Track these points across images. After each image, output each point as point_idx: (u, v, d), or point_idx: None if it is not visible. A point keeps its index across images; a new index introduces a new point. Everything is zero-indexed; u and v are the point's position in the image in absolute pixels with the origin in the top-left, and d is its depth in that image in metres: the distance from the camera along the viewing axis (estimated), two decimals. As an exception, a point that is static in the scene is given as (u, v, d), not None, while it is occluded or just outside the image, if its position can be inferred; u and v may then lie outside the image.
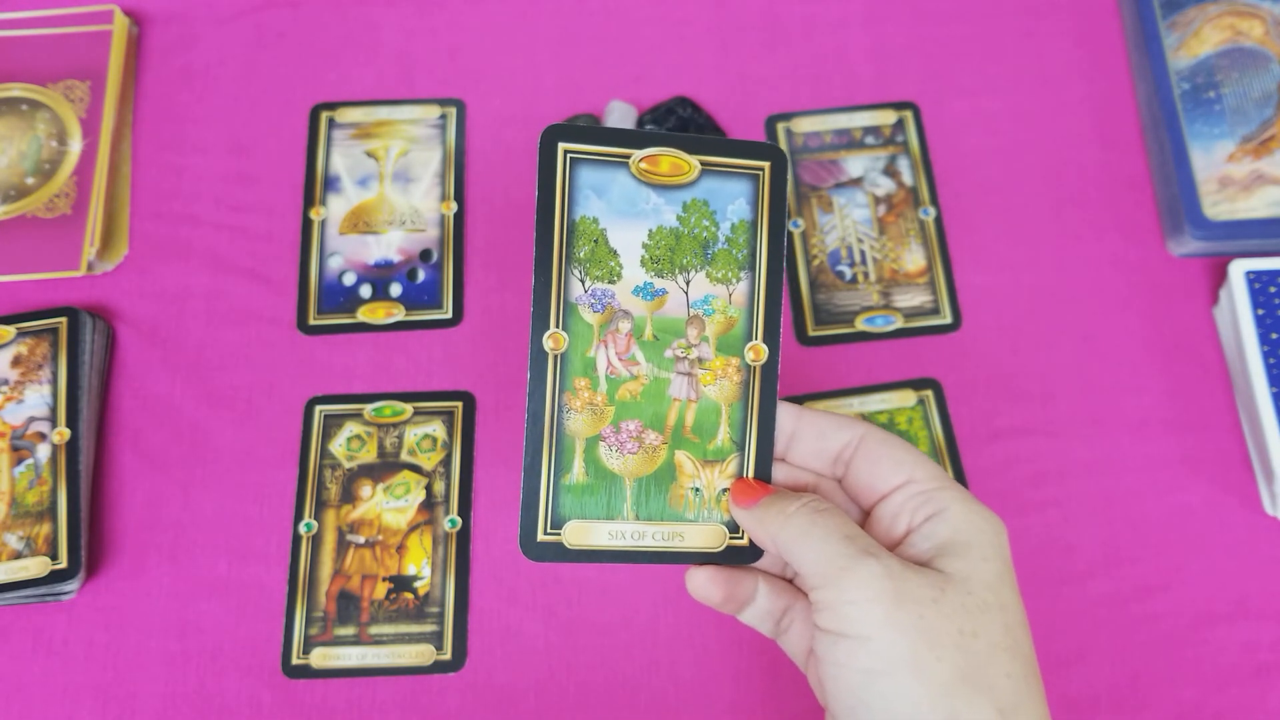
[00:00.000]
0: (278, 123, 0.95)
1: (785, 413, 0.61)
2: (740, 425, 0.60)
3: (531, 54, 0.97)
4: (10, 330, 0.86)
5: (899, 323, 0.88)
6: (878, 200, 0.91)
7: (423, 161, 0.93)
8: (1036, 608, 0.78)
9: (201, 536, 0.84)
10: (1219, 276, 0.88)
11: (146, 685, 0.80)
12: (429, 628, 0.81)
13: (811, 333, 0.88)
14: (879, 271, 0.89)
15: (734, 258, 0.60)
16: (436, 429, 0.86)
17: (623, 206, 0.59)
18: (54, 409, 0.84)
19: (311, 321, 0.89)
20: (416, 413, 0.86)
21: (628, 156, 0.59)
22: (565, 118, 0.93)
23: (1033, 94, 0.95)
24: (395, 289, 0.89)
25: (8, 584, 0.80)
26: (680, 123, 0.92)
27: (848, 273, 0.89)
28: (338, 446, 0.85)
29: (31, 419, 0.84)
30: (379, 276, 0.90)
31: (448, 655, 0.80)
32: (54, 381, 0.84)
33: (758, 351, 0.60)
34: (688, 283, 0.60)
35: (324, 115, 0.95)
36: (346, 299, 0.89)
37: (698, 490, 0.60)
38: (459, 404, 0.86)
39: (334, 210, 0.92)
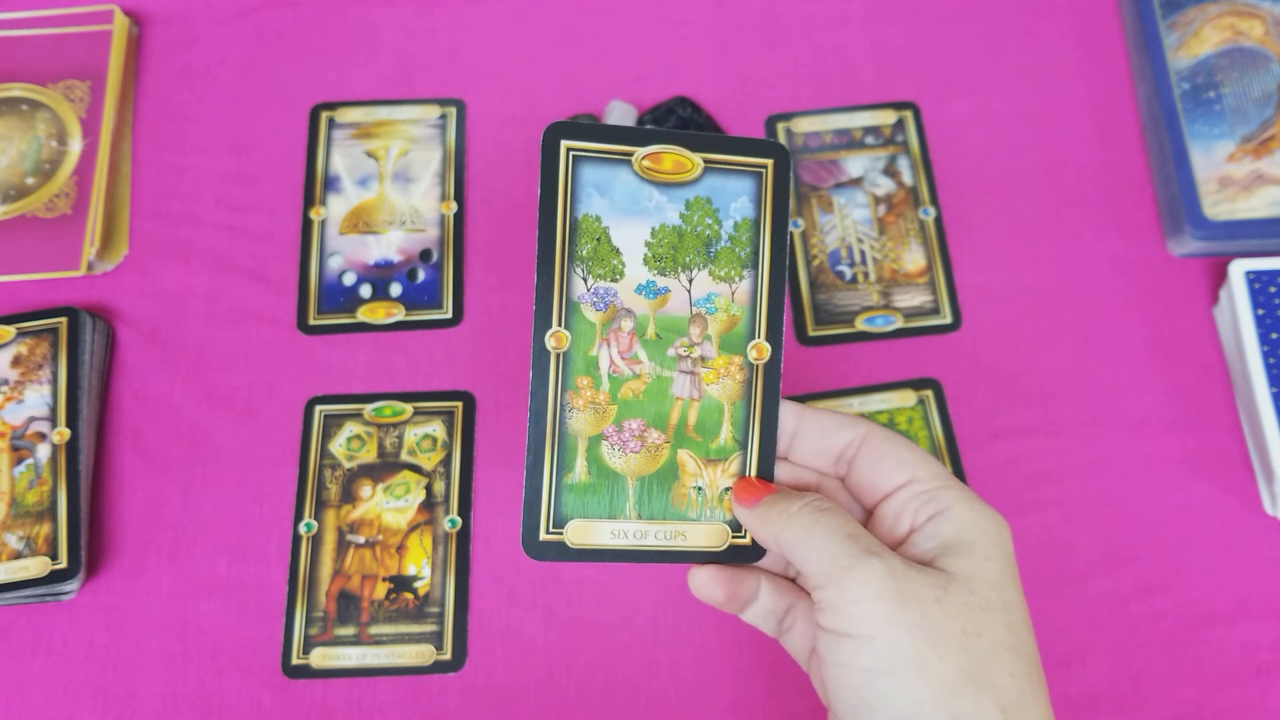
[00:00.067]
0: (278, 123, 0.95)
1: (788, 411, 0.61)
2: (743, 424, 0.60)
3: (531, 54, 0.97)
4: (10, 330, 0.86)
5: (899, 323, 0.88)
6: (878, 200, 0.91)
7: (423, 161, 0.93)
8: (1037, 607, 0.78)
9: (201, 536, 0.84)
10: (1219, 276, 0.88)
11: (146, 685, 0.80)
12: (429, 628, 0.81)
13: (811, 333, 0.88)
14: (879, 271, 0.89)
15: (737, 256, 0.60)
16: (436, 429, 0.86)
17: (625, 204, 0.59)
18: (54, 409, 0.83)
19: (311, 321, 0.89)
20: (416, 413, 0.86)
21: (630, 154, 0.59)
22: (565, 118, 0.93)
23: (1033, 94, 0.95)
24: (395, 289, 0.89)
25: (8, 584, 0.80)
26: (680, 123, 0.92)
27: (848, 273, 0.89)
28: (338, 446, 0.85)
29: (31, 419, 0.83)
30: (379, 276, 0.90)
31: (448, 655, 0.80)
32: (54, 381, 0.84)
33: (760, 350, 0.60)
34: (690, 281, 0.60)
35: (324, 115, 0.95)
36: (346, 299, 0.89)
37: (700, 489, 0.60)
38: (459, 404, 0.86)
39: (334, 210, 0.92)
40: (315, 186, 0.92)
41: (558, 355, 0.59)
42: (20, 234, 0.90)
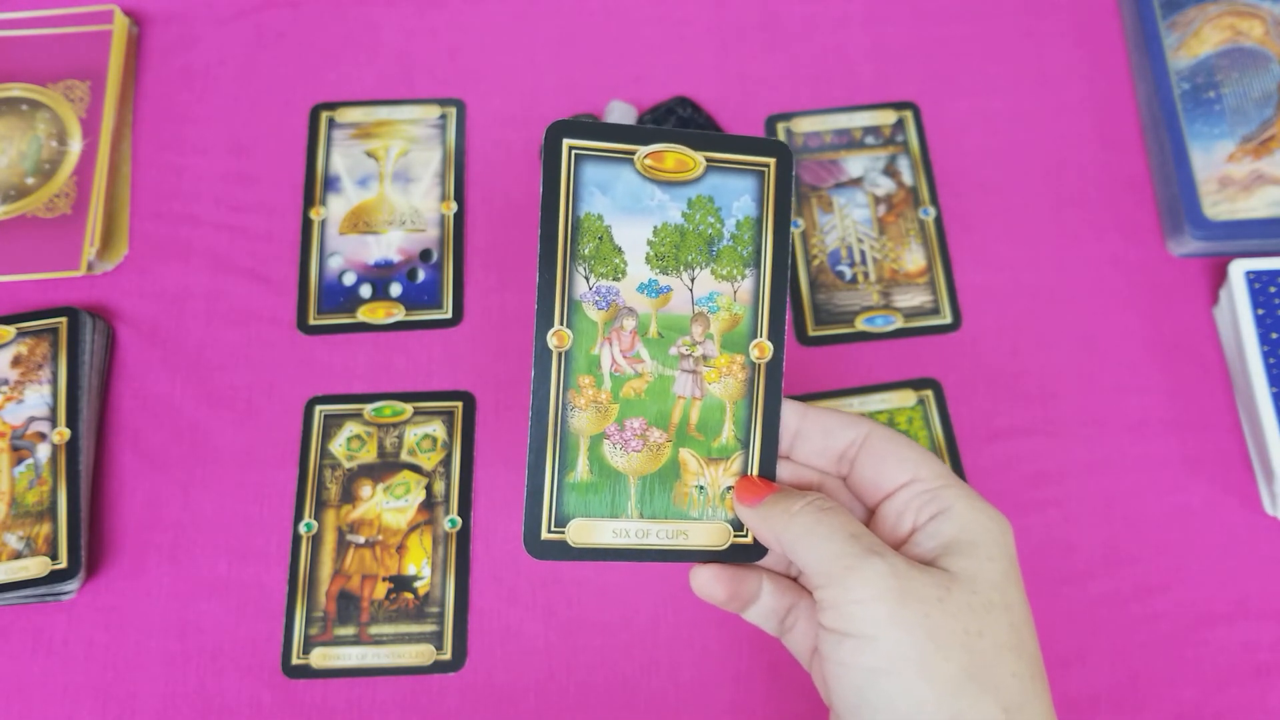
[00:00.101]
0: (278, 123, 0.95)
1: (790, 410, 0.61)
2: (745, 423, 0.60)
3: (531, 54, 0.97)
4: (10, 330, 0.86)
5: (899, 323, 0.88)
6: (878, 200, 0.91)
7: (423, 161, 0.93)
8: (1037, 607, 0.78)
9: (201, 536, 0.84)
10: (1219, 276, 0.88)
11: (146, 685, 0.80)
12: (429, 628, 0.81)
13: (811, 333, 0.88)
14: (879, 271, 0.89)
15: (739, 254, 0.60)
16: (436, 429, 0.86)
17: (627, 203, 0.59)
18: (54, 409, 0.83)
19: (311, 321, 0.89)
20: (416, 413, 0.86)
21: (633, 153, 0.59)
22: (565, 117, 0.93)
23: (1033, 94, 0.95)
24: (395, 289, 0.89)
25: (8, 584, 0.79)
26: (680, 123, 0.92)
27: (848, 273, 0.89)
28: (338, 446, 0.85)
29: (31, 419, 0.83)
30: (379, 276, 0.90)
31: (448, 655, 0.80)
32: (54, 381, 0.84)
33: (762, 349, 0.60)
34: (692, 280, 0.60)
35: (324, 115, 0.95)
36: (346, 299, 0.89)
37: (702, 488, 0.60)
38: (459, 404, 0.86)
39: (334, 210, 0.92)
40: (315, 186, 0.92)
41: (560, 354, 0.59)
42: (20, 234, 0.90)
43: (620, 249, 0.59)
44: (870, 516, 0.60)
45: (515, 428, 0.86)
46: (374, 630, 0.80)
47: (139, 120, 0.96)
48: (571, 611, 0.82)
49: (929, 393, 0.86)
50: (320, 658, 0.80)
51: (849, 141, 0.93)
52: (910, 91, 0.95)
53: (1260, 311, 0.83)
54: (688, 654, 0.80)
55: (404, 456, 0.85)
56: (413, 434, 0.85)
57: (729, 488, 0.60)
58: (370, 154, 0.93)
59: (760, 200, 0.60)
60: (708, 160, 0.60)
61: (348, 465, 0.85)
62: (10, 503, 0.82)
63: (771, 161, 0.60)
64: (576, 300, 0.59)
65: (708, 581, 0.60)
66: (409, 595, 0.81)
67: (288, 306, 0.89)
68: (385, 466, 0.85)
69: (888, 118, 0.94)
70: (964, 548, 0.54)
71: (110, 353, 0.88)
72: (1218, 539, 0.83)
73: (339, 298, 0.89)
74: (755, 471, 0.61)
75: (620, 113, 0.92)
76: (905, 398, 0.86)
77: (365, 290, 0.89)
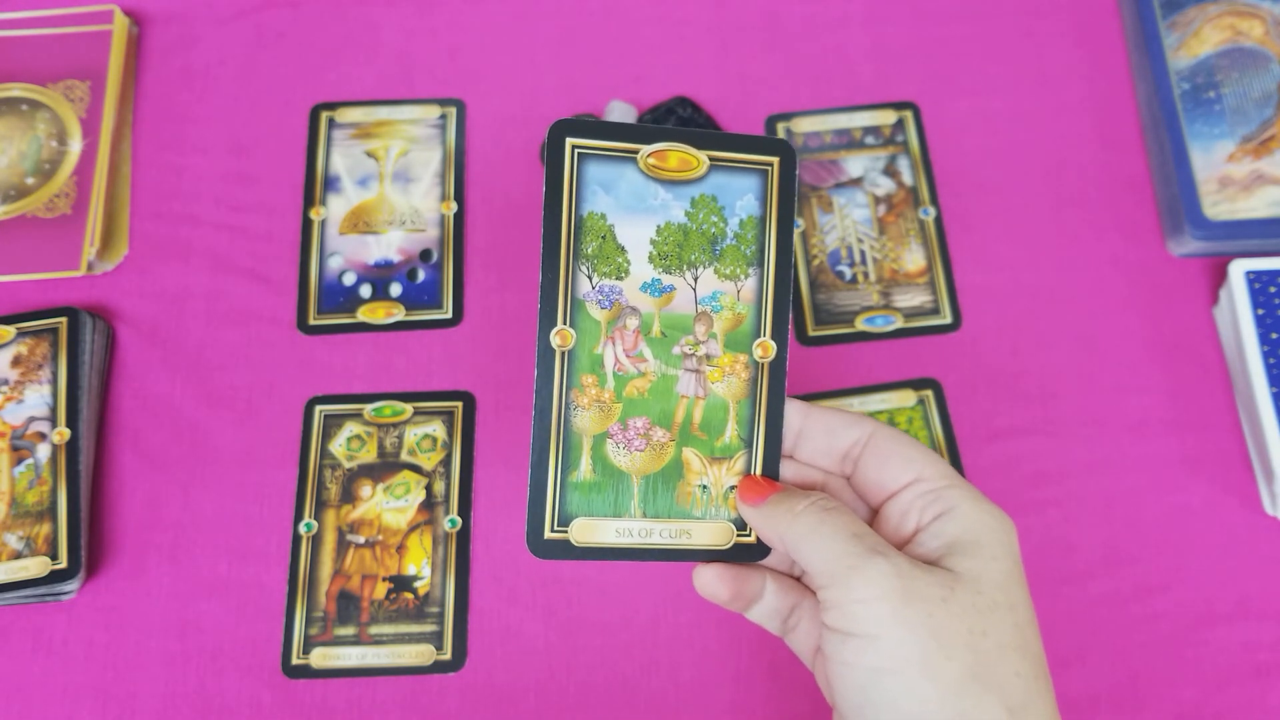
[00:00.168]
0: (278, 123, 0.95)
1: (793, 410, 0.61)
2: (748, 422, 0.60)
3: (531, 54, 0.97)
4: (10, 330, 0.86)
5: (899, 323, 0.88)
6: (878, 200, 0.91)
7: (423, 161, 0.93)
8: (1037, 607, 0.78)
9: (201, 536, 0.84)
10: (1219, 276, 0.89)
11: (146, 685, 0.80)
12: (429, 628, 0.81)
13: (811, 333, 0.88)
14: (879, 271, 0.89)
15: (742, 254, 0.60)
16: (436, 429, 0.86)
17: (630, 202, 0.59)
18: (54, 409, 0.83)
19: (311, 321, 0.89)
20: (416, 413, 0.86)
21: (636, 152, 0.59)
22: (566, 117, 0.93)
23: (1033, 94, 0.95)
24: (395, 289, 0.89)
25: (8, 584, 0.79)
26: (680, 123, 0.92)
27: (848, 273, 0.89)
28: (338, 446, 0.85)
29: (31, 419, 0.83)
30: (379, 276, 0.90)
31: (448, 655, 0.80)
32: (54, 381, 0.84)
33: (766, 348, 0.60)
34: (696, 279, 0.60)
35: (324, 115, 0.95)
36: (346, 299, 0.89)
37: (705, 487, 0.60)
38: (459, 404, 0.86)
39: (334, 210, 0.92)
40: (315, 186, 0.92)
41: (562, 353, 0.59)
42: (20, 234, 0.90)
43: (623, 248, 0.59)
44: (874, 516, 0.60)
45: (515, 428, 0.86)
46: (374, 630, 0.80)
47: (139, 120, 0.96)
48: (571, 611, 0.82)
49: (929, 393, 0.86)
50: (320, 658, 0.80)
51: (849, 141, 0.93)
52: (910, 91, 0.95)
53: (1260, 311, 0.83)
54: (688, 654, 0.80)
55: (404, 456, 0.85)
56: (413, 434, 0.85)
57: (732, 487, 0.60)
58: (370, 154, 0.93)
59: (764, 199, 0.60)
60: (711, 159, 0.60)
61: (348, 465, 0.85)
62: (10, 503, 0.81)
63: (775, 160, 0.60)
64: (579, 299, 0.59)
65: (711, 581, 0.60)
66: (409, 595, 0.81)
67: (288, 306, 0.89)
68: (385, 466, 0.85)
69: (888, 118, 0.94)
70: (968, 547, 0.54)
71: (110, 353, 0.88)
72: (1218, 539, 0.83)
73: (339, 298, 0.89)
74: (758, 471, 0.61)
75: (620, 112, 0.92)
76: (905, 398, 0.86)
77: (365, 290, 0.89)
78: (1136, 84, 0.94)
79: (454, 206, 0.92)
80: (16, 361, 0.85)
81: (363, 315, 0.88)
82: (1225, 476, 0.84)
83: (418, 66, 0.97)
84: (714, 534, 0.60)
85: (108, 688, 0.80)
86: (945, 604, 0.51)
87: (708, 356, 0.60)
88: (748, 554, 0.61)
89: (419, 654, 0.80)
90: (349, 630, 0.80)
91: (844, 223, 0.91)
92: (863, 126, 0.94)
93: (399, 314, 0.88)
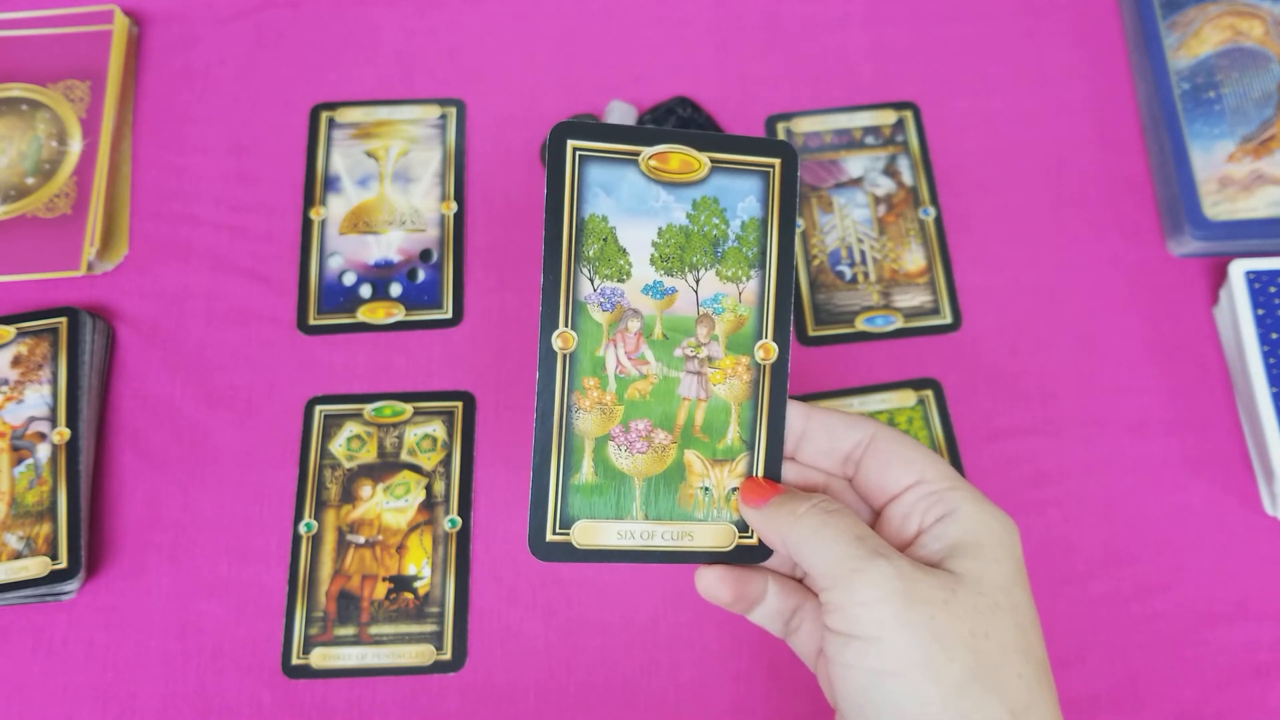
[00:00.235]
0: (278, 123, 0.95)
1: (795, 412, 0.61)
2: (750, 424, 0.60)
3: (531, 54, 0.97)
4: (10, 330, 0.86)
5: (899, 323, 0.88)
6: (878, 200, 0.91)
7: (423, 161, 0.93)
8: (1037, 607, 0.78)
9: (201, 536, 0.84)
10: (1219, 276, 0.89)
11: (146, 685, 0.80)
12: (429, 628, 0.81)
13: (811, 333, 0.88)
14: (879, 271, 0.89)
15: (744, 256, 0.60)
16: (436, 429, 0.86)
17: (632, 204, 0.59)
18: (54, 409, 0.83)
19: (311, 321, 0.88)
20: (416, 413, 0.86)
21: (637, 154, 0.59)
22: (565, 117, 0.93)
23: (1033, 94, 0.95)
24: (395, 289, 0.89)
25: (8, 584, 0.79)
26: (680, 123, 0.92)
27: (848, 273, 0.89)
28: (338, 446, 0.85)
29: (31, 419, 0.83)
30: (379, 276, 0.90)
31: (448, 655, 0.80)
32: (54, 381, 0.84)
33: (767, 350, 0.60)
34: (697, 281, 0.60)
35: (324, 115, 0.95)
36: (346, 299, 0.89)
37: (707, 490, 0.60)
38: (459, 404, 0.86)
39: (334, 210, 0.92)
40: (315, 186, 0.92)
41: (564, 356, 0.59)
42: (20, 234, 0.90)
43: (625, 250, 0.59)
44: (876, 518, 0.60)
45: (515, 428, 0.86)
46: (374, 630, 0.80)
47: (139, 120, 0.96)
48: (571, 611, 0.82)
49: (929, 393, 0.86)
50: (320, 658, 0.80)
51: (849, 141, 0.93)
52: (910, 91, 0.95)
53: (1260, 311, 0.83)
54: (688, 654, 0.80)
55: (404, 456, 0.85)
56: (413, 434, 0.85)
57: (734, 489, 0.60)
58: (370, 154, 0.93)
59: (765, 201, 0.60)
60: (712, 161, 0.60)
61: (348, 465, 0.85)
62: (10, 503, 0.81)
63: (776, 162, 0.60)
64: (581, 302, 0.59)
65: (713, 583, 0.60)
66: (409, 595, 0.81)
67: (288, 306, 0.89)
68: (385, 466, 0.85)
69: (888, 118, 0.94)
70: (970, 549, 0.54)
71: (110, 353, 0.88)
72: (1218, 539, 0.83)
73: (339, 298, 0.89)
74: (760, 473, 0.61)
75: (620, 112, 0.92)
76: (905, 398, 0.86)
77: (365, 290, 0.89)
78: (1136, 84, 0.94)
79: (454, 206, 0.92)
80: (16, 361, 0.85)
81: (363, 315, 0.88)
82: (1225, 476, 0.84)
83: (418, 66, 0.97)
84: (716, 536, 0.60)
85: (108, 688, 0.80)
86: (947, 606, 0.51)
87: (709, 359, 0.60)
88: (750, 556, 0.61)
89: (419, 654, 0.80)
90: (349, 630, 0.80)
91: (844, 223, 0.91)
92: (863, 126, 0.94)
93: (399, 314, 0.88)
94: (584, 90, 0.96)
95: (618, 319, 0.59)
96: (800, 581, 0.62)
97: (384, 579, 0.82)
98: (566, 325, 0.59)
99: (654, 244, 0.59)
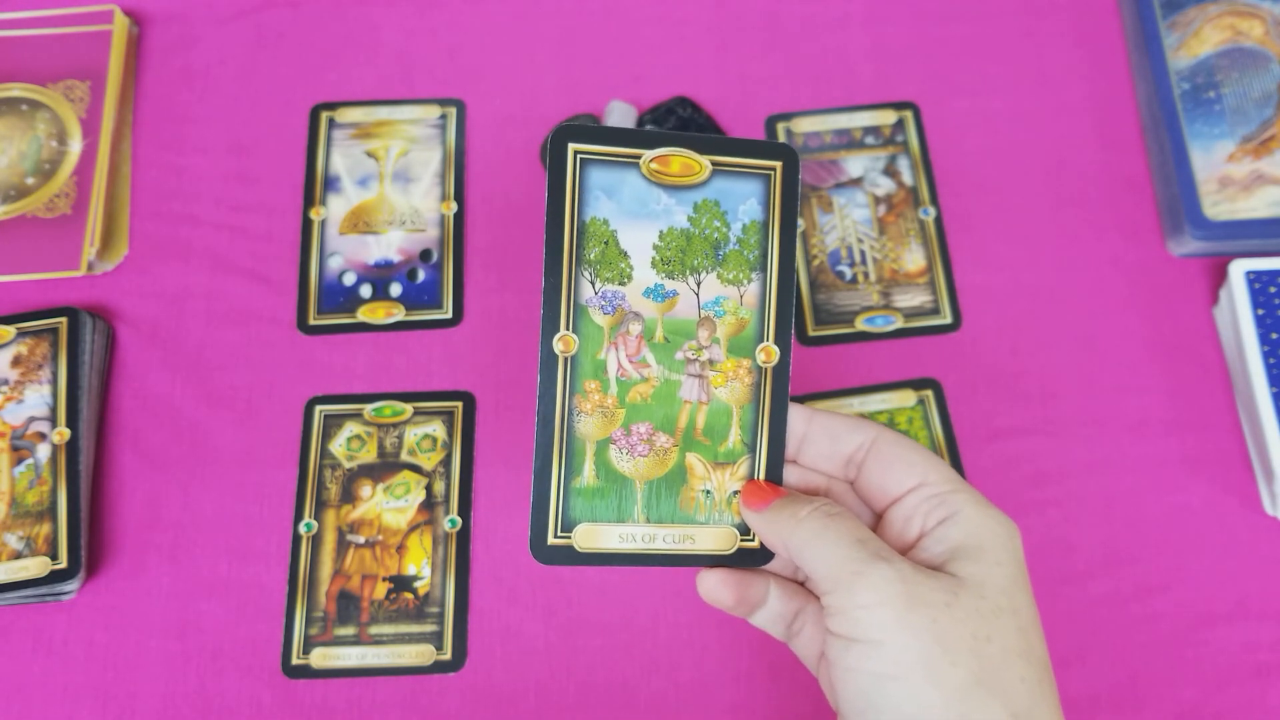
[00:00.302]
0: (278, 123, 0.95)
1: (797, 415, 0.61)
2: (751, 427, 0.60)
3: (531, 54, 0.97)
4: (10, 330, 0.86)
5: (899, 323, 0.88)
6: (878, 200, 0.91)
7: (423, 161, 0.93)
8: (1037, 608, 0.79)
9: (201, 536, 0.84)
10: (1219, 276, 0.89)
11: (146, 685, 0.80)
12: (429, 628, 0.81)
13: (811, 333, 0.88)
14: (879, 271, 0.89)
15: (745, 259, 0.60)
16: (436, 429, 0.86)
17: (633, 207, 0.59)
18: (54, 409, 0.83)
19: (311, 321, 0.88)
20: (416, 413, 0.86)
21: (638, 157, 0.59)
22: (565, 118, 0.93)
23: (1033, 94, 0.95)
24: (395, 289, 0.89)
25: (8, 584, 0.79)
26: (680, 123, 0.92)
27: (848, 273, 0.89)
28: (338, 446, 0.85)
29: (31, 419, 0.83)
30: (379, 276, 0.90)
31: (448, 655, 0.80)
32: (54, 381, 0.84)
33: (769, 353, 0.60)
34: (699, 284, 0.60)
35: (324, 115, 0.95)
36: (346, 299, 0.89)
37: (709, 493, 0.60)
38: (459, 404, 0.86)
39: (334, 210, 0.91)
40: (315, 186, 0.92)
41: (565, 359, 0.59)
42: (20, 234, 0.90)
43: (626, 253, 0.59)
44: (878, 521, 0.60)
45: (515, 428, 0.86)
46: (374, 630, 0.80)
47: (139, 120, 0.96)
48: (571, 611, 0.82)
49: (929, 393, 0.86)
50: (320, 658, 0.80)
51: (849, 141, 0.93)
52: (910, 91, 0.95)
53: (1260, 311, 0.83)
54: (688, 654, 0.80)
55: (404, 456, 0.85)
56: (413, 434, 0.85)
57: (735, 492, 0.60)
58: (370, 154, 0.93)
59: (766, 204, 0.60)
60: (714, 164, 0.60)
61: (348, 465, 0.85)
62: (10, 503, 0.81)
63: (778, 165, 0.60)
64: (582, 305, 0.59)
65: (715, 586, 0.60)
66: (409, 595, 0.81)
67: (288, 306, 0.89)
68: (385, 466, 0.85)
69: (888, 118, 0.94)
70: (972, 552, 0.54)
71: (110, 353, 0.88)
72: (1218, 539, 0.83)
73: (339, 298, 0.89)
74: (762, 476, 0.61)
75: (620, 113, 0.92)
76: (905, 398, 0.86)
77: (365, 290, 0.89)
78: (1136, 84, 0.94)
79: (454, 206, 0.92)
80: (16, 361, 0.85)
81: (363, 315, 0.88)
82: (1225, 476, 0.84)
83: (418, 66, 0.97)
84: (717, 539, 0.60)
85: (108, 688, 0.80)
86: (949, 609, 0.51)
87: (711, 361, 0.60)
88: (751, 559, 0.61)
89: (419, 654, 0.80)
90: (349, 630, 0.80)
91: (844, 223, 0.91)
92: (863, 126, 0.94)
93: (399, 314, 0.88)
94: (584, 90, 0.96)
95: (619, 322, 0.59)
96: (802, 585, 0.62)
97: (384, 579, 0.82)
98: (568, 328, 0.59)
99: (655, 247, 0.59)
